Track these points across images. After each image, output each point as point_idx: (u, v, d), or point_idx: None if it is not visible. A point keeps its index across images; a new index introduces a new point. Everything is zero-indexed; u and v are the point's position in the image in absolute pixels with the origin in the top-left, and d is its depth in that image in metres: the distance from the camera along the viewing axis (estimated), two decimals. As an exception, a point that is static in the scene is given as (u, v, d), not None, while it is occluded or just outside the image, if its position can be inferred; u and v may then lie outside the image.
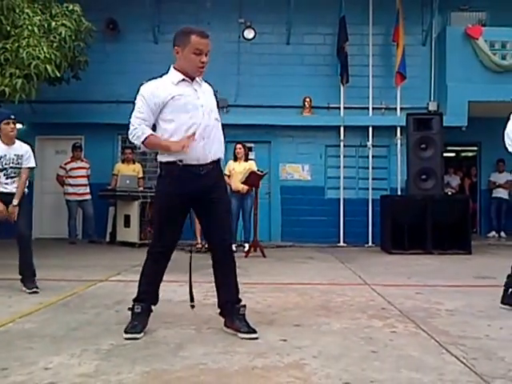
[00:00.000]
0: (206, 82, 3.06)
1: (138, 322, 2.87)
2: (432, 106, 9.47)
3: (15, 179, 4.28)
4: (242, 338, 2.80)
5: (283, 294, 4.16)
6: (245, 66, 9.58)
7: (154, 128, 2.90)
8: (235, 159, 7.74)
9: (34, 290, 4.10)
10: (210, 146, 2.89)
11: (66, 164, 8.69)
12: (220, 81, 8.98)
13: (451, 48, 9.12)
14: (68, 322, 3.14)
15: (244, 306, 2.96)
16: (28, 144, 4.46)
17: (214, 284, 3.05)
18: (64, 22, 6.90)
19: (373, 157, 9.44)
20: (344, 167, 9.47)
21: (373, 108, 9.47)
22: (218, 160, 2.99)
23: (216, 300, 3.04)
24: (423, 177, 7.79)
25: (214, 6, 9.35)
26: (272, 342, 2.77)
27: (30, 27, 6.46)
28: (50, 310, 3.54)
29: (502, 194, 10.15)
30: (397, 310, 3.62)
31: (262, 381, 2.20)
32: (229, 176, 7.60)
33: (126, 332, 2.82)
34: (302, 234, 9.09)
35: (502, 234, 10.13)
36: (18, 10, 6.51)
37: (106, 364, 2.38)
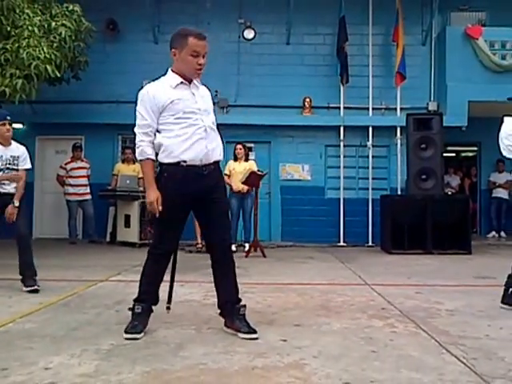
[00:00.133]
0: (203, 84, 3.06)
1: (139, 322, 2.87)
2: (432, 106, 9.47)
3: None
4: (242, 338, 2.80)
5: (283, 294, 4.17)
6: (245, 66, 9.58)
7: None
8: (235, 159, 7.75)
9: (35, 287, 4.10)
10: (210, 147, 2.90)
11: (66, 164, 8.70)
12: (220, 81, 9.05)
13: (451, 48, 9.13)
14: (68, 322, 3.15)
15: (244, 305, 2.96)
16: (23, 145, 4.46)
17: (213, 284, 3.04)
18: (64, 22, 6.91)
19: (373, 157, 9.44)
20: (344, 167, 9.47)
21: (373, 108, 9.47)
22: (219, 161, 3.00)
23: (216, 300, 3.03)
24: (423, 177, 7.79)
25: (213, 6, 9.35)
26: (272, 341, 2.77)
27: (30, 27, 6.46)
28: (51, 310, 3.55)
29: (501, 194, 10.16)
30: (397, 309, 3.62)
31: (262, 381, 2.20)
32: (229, 176, 7.61)
33: (126, 332, 2.82)
34: (302, 234, 9.10)
35: (502, 233, 10.13)
36: (18, 11, 6.51)
37: (106, 364, 2.38)
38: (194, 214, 3.02)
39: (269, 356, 2.52)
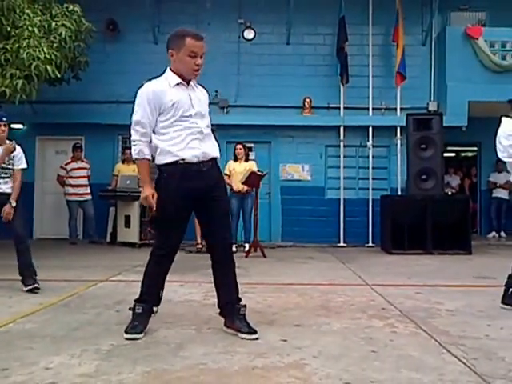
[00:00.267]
0: (201, 85, 3.06)
1: (139, 323, 2.87)
2: (432, 106, 9.47)
3: (7, 180, 4.31)
4: (243, 338, 2.80)
5: (283, 294, 4.17)
6: (245, 66, 9.58)
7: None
8: (235, 159, 7.74)
9: (35, 285, 4.11)
10: (206, 146, 2.91)
11: (66, 164, 8.70)
12: (220, 81, 9.06)
13: (451, 48, 9.12)
14: (68, 323, 3.15)
15: (244, 306, 2.96)
16: (19, 145, 4.46)
17: (213, 284, 3.04)
18: (64, 22, 6.90)
19: (373, 157, 9.44)
20: (344, 167, 9.47)
21: (373, 108, 9.47)
22: (217, 159, 3.00)
23: (216, 300, 3.03)
24: (423, 177, 7.79)
25: (213, 7, 9.35)
26: (272, 342, 2.77)
27: (30, 28, 6.46)
28: (51, 310, 3.55)
29: (502, 194, 10.15)
30: (397, 310, 3.63)
31: (262, 381, 2.21)
32: (229, 176, 7.61)
33: (126, 332, 2.82)
34: (302, 234, 9.10)
35: (502, 233, 10.13)
36: (18, 11, 6.51)
37: (106, 364, 2.38)
38: (195, 213, 3.02)
39: (269, 356, 2.52)
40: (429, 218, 7.43)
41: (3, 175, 4.29)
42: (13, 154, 4.34)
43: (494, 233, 10.18)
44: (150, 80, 2.95)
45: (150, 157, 2.90)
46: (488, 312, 3.55)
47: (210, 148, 2.95)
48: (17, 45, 6.36)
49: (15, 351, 2.57)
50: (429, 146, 7.82)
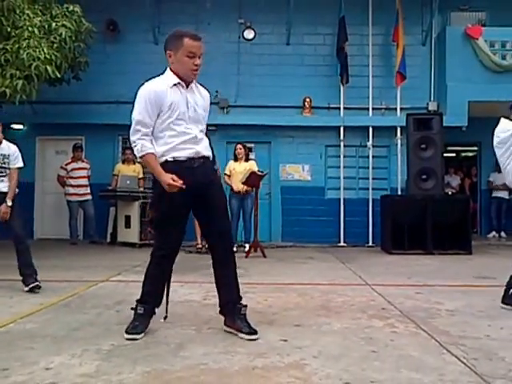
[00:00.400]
0: (202, 86, 3.05)
1: (140, 323, 2.88)
2: (432, 106, 9.47)
3: (3, 179, 4.30)
4: (243, 339, 2.81)
5: (284, 294, 4.17)
6: (245, 66, 9.58)
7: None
8: (235, 159, 7.75)
9: (36, 283, 4.11)
10: (198, 146, 2.91)
11: (66, 164, 8.70)
12: (220, 81, 9.06)
13: (451, 48, 9.13)
14: (69, 323, 3.15)
15: (245, 305, 2.97)
16: (15, 144, 4.46)
17: (214, 284, 3.04)
18: (64, 22, 6.90)
19: (373, 157, 9.44)
20: (344, 167, 9.47)
21: (373, 108, 9.48)
22: (209, 158, 2.99)
23: (217, 300, 3.04)
24: (423, 177, 7.79)
25: (213, 7, 9.36)
26: (272, 342, 2.77)
27: (30, 28, 6.46)
28: (51, 310, 3.55)
29: (502, 193, 10.15)
30: (397, 310, 3.63)
31: (263, 381, 2.21)
32: (229, 176, 7.62)
33: (126, 332, 2.82)
34: (302, 235, 9.10)
35: (503, 233, 10.13)
36: (18, 11, 6.51)
37: (106, 364, 2.39)
38: (194, 213, 3.02)
39: (269, 356, 2.52)
40: (429, 217, 7.43)
41: None
42: (8, 153, 4.33)
43: (494, 233, 10.19)
44: (150, 79, 2.94)
45: (153, 150, 2.84)
46: (488, 312, 3.55)
47: (202, 148, 2.94)
48: (17, 45, 6.36)
49: (16, 351, 2.57)
50: (429, 146, 7.82)
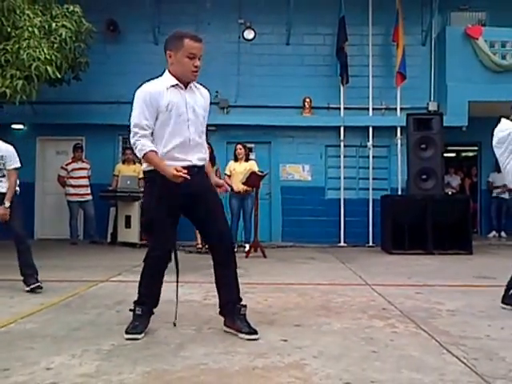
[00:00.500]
0: (203, 86, 3.05)
1: (139, 323, 2.88)
2: (432, 106, 9.47)
3: (1, 179, 4.29)
4: (243, 339, 2.81)
5: (284, 294, 4.17)
6: (245, 66, 9.58)
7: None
8: (236, 159, 7.75)
9: (38, 284, 4.11)
10: (191, 157, 2.90)
11: (67, 165, 8.70)
12: (220, 81, 9.06)
13: (451, 48, 9.12)
14: (69, 323, 3.15)
15: (245, 306, 2.97)
16: (12, 145, 4.45)
17: (214, 284, 3.05)
18: (64, 23, 6.91)
19: (373, 157, 9.44)
20: (344, 167, 9.47)
21: (373, 108, 9.47)
22: (202, 167, 2.98)
23: (217, 300, 3.04)
24: (423, 177, 7.79)
25: (214, 7, 9.36)
26: (273, 342, 2.77)
27: (30, 28, 6.46)
28: (52, 310, 3.55)
29: (502, 193, 10.15)
30: (397, 310, 3.63)
31: (263, 381, 2.21)
32: (229, 176, 7.62)
33: (127, 332, 2.83)
34: (302, 235, 9.10)
35: (503, 233, 10.13)
36: (18, 12, 6.51)
37: (107, 364, 2.39)
38: (192, 220, 3.01)
39: (269, 356, 2.52)
40: (429, 217, 7.43)
41: None
42: (4, 154, 4.30)
43: (494, 232, 10.18)
44: (149, 81, 2.94)
45: (154, 148, 2.83)
46: (488, 312, 3.55)
47: (195, 157, 2.92)
48: (17, 45, 6.36)
49: (16, 351, 2.58)
50: (429, 146, 7.82)
